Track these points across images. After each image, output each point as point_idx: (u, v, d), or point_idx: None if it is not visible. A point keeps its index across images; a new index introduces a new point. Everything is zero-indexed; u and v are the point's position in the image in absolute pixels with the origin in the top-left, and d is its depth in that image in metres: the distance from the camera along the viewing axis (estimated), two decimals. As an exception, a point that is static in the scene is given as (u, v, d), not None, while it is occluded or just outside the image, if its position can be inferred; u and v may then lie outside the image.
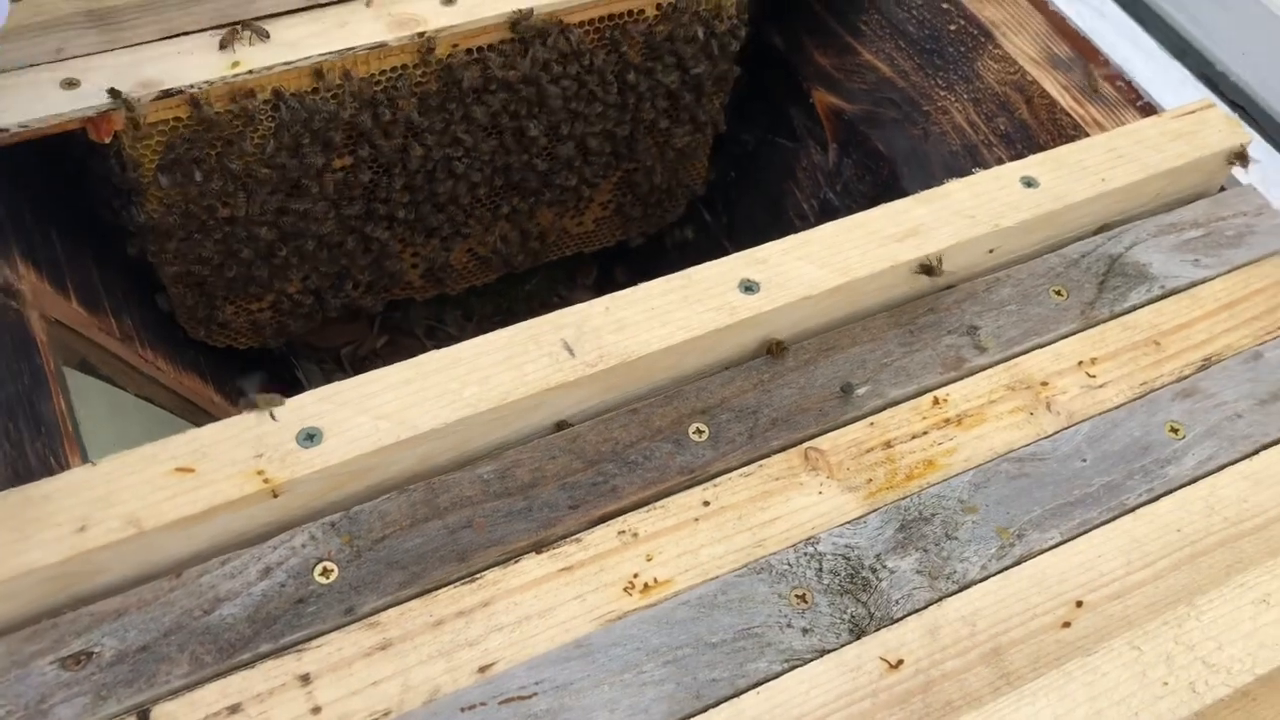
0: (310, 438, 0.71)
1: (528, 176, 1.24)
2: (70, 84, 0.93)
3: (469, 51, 1.08)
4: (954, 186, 0.91)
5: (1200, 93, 1.12)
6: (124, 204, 1.05)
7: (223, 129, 1.00)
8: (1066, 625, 0.73)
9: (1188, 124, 0.99)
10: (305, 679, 0.66)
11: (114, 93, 0.92)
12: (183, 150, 1.00)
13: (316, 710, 0.65)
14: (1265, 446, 0.83)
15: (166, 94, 0.95)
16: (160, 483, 0.68)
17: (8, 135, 0.90)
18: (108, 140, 0.96)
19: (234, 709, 0.64)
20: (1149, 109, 1.08)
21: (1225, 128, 0.99)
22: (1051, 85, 1.09)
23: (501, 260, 1.33)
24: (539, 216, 1.31)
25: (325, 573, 0.70)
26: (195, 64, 0.97)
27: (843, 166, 1.32)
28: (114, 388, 1.04)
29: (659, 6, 1.16)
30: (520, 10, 1.06)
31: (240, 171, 1.03)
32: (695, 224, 1.49)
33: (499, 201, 1.26)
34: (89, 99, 0.93)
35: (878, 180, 1.26)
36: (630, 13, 1.14)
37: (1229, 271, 0.94)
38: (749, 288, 0.82)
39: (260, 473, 0.69)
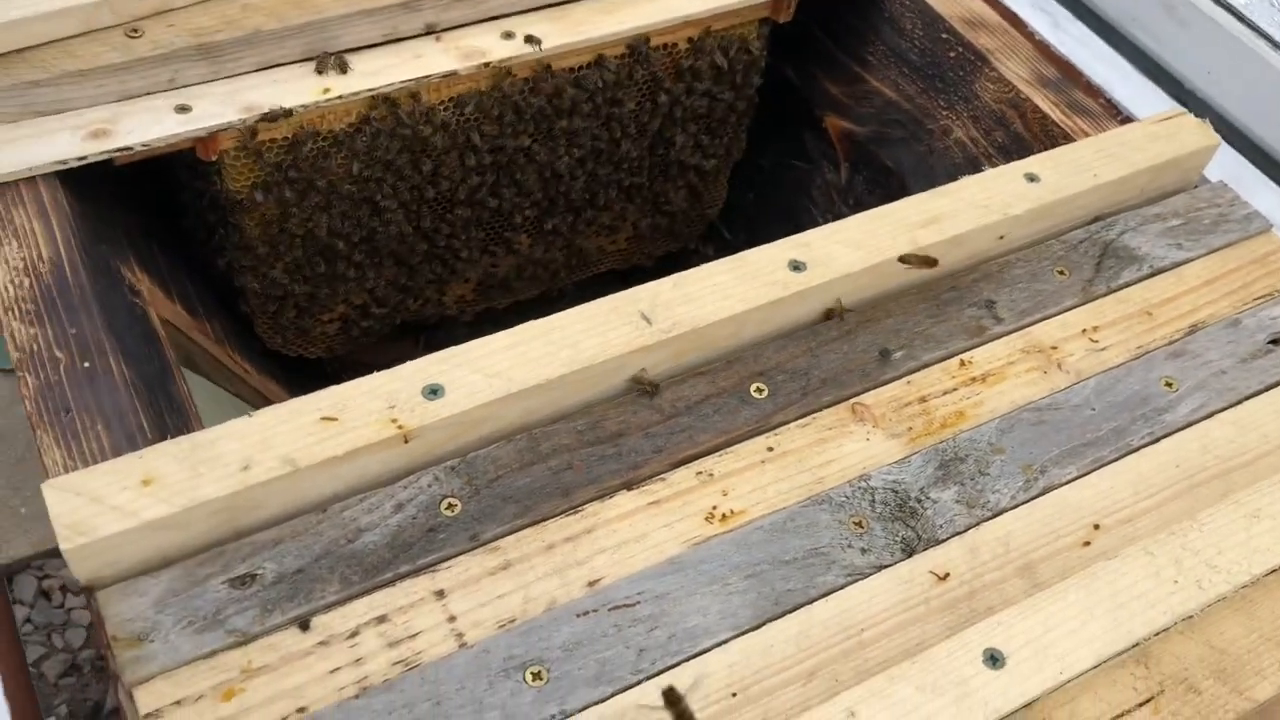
0: (434, 392, 0.82)
1: (572, 196, 1.36)
2: (183, 109, 1.05)
3: (526, 80, 1.21)
4: (967, 182, 1.04)
5: (1172, 106, 1.26)
6: (219, 219, 1.16)
7: (313, 148, 1.12)
8: (1086, 544, 0.84)
9: (1165, 128, 1.12)
10: (440, 594, 0.76)
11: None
12: (278, 168, 1.12)
13: (452, 619, 0.75)
14: (1248, 397, 0.95)
15: (267, 117, 1.07)
16: (309, 429, 0.79)
17: (131, 153, 1.02)
18: (213, 159, 1.08)
19: (381, 619, 0.75)
20: (1128, 121, 1.22)
21: (1198, 131, 1.13)
22: (1043, 101, 1.23)
23: (548, 275, 1.45)
24: (580, 234, 1.44)
25: (450, 507, 0.80)
26: (290, 90, 1.09)
27: (854, 183, 1.46)
28: (213, 385, 1.14)
29: (690, 40, 1.29)
30: (555, 45, 1.19)
31: (325, 188, 1.15)
32: (716, 242, 1.62)
33: (544, 219, 1.38)
34: (200, 121, 1.05)
35: (887, 194, 1.39)
36: (665, 45, 1.28)
37: (1208, 254, 1.07)
38: (797, 266, 0.95)
39: (394, 420, 0.80)
